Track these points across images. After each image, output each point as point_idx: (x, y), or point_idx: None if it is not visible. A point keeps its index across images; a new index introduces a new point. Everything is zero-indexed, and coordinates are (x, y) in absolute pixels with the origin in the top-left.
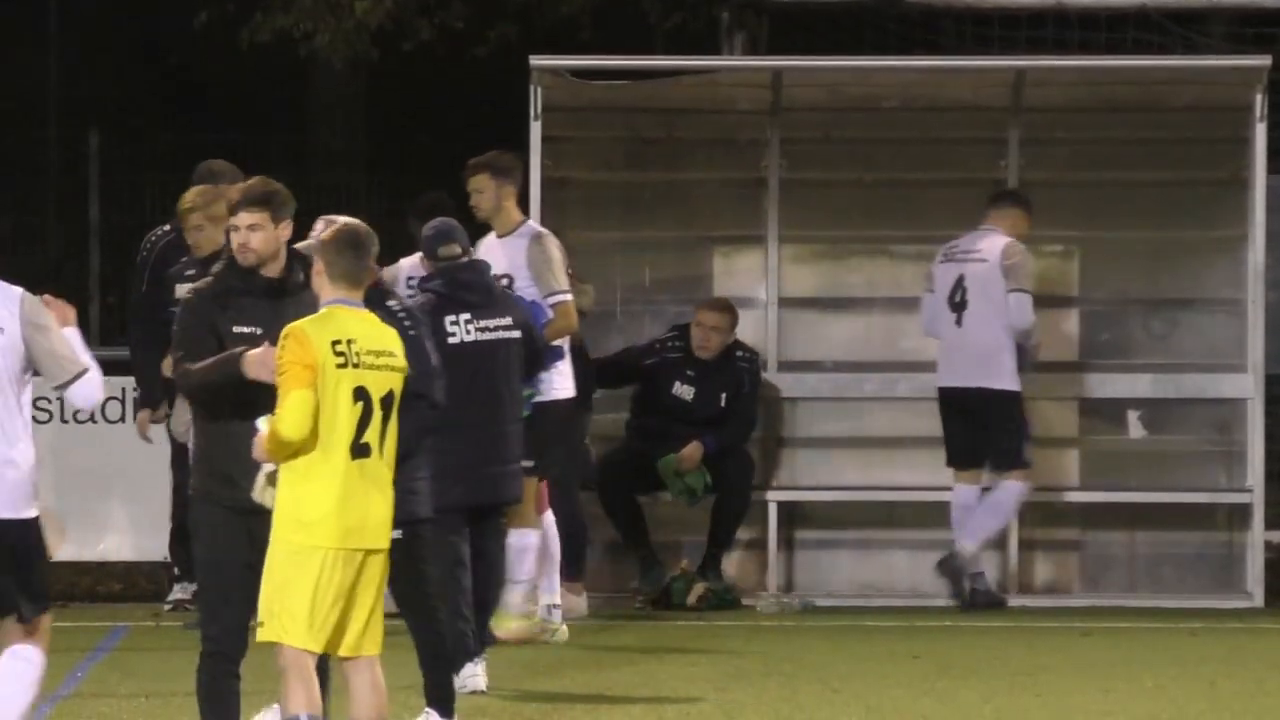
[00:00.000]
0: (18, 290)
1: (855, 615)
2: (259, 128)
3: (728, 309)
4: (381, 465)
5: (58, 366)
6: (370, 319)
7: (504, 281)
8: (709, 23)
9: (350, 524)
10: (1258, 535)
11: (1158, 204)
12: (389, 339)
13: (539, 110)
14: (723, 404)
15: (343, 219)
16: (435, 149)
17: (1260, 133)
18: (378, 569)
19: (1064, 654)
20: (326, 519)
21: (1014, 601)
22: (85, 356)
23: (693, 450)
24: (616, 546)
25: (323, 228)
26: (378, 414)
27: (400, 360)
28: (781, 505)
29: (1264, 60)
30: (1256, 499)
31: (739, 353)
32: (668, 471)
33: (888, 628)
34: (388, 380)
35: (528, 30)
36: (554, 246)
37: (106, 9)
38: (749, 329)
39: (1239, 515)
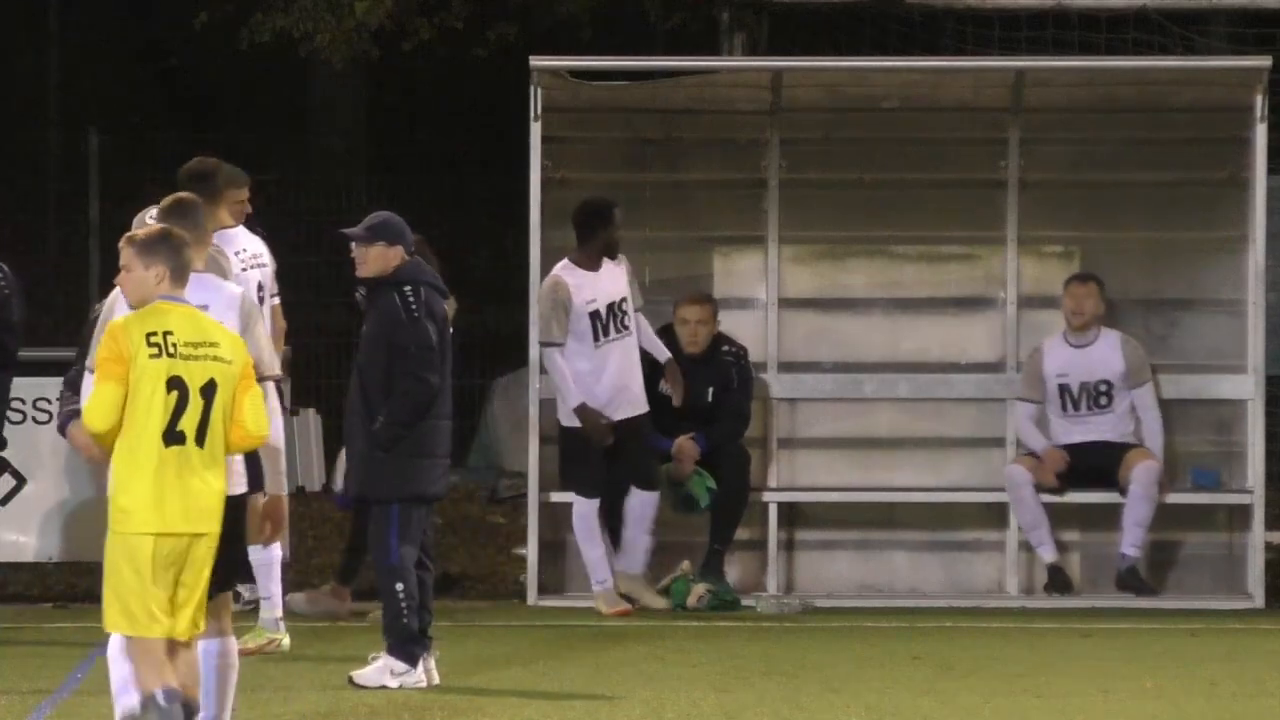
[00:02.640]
0: (238, 289)
1: (855, 616)
2: (259, 128)
3: (708, 299)
4: (202, 452)
5: (257, 362)
6: (194, 313)
7: None
8: (709, 23)
9: (167, 509)
10: (1258, 536)
11: (1158, 204)
12: (214, 332)
13: (539, 111)
14: (710, 399)
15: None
16: (435, 149)
17: (1260, 133)
18: (196, 555)
19: (1064, 654)
20: (142, 505)
21: (1014, 602)
22: (276, 368)
23: (685, 446)
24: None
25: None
26: (196, 403)
27: (226, 351)
28: (781, 505)
29: (1264, 61)
30: (1257, 499)
31: (724, 347)
32: (663, 488)
33: (888, 628)
34: (208, 370)
35: (528, 30)
36: (221, 257)
37: (106, 9)
38: (749, 329)
39: (1239, 516)
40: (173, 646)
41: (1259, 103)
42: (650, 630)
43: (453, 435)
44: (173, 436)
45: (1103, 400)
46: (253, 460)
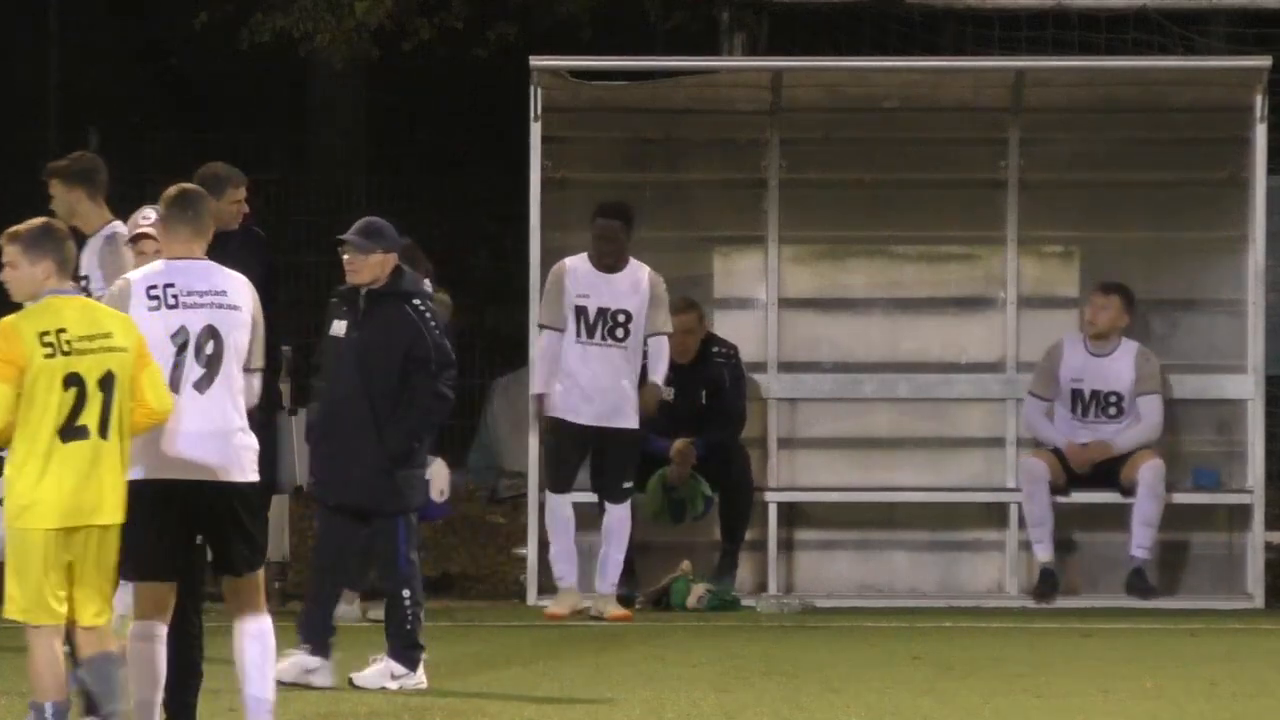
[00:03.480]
0: (242, 276)
1: (855, 616)
2: (259, 128)
3: (691, 307)
4: (108, 444)
5: (255, 353)
6: (86, 304)
7: (82, 282)
8: (709, 23)
9: (66, 504)
10: (1258, 536)
11: (1158, 204)
12: (106, 320)
13: (539, 111)
14: (703, 401)
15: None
16: (435, 149)
17: (1260, 133)
18: (100, 545)
19: (1064, 654)
20: (39, 502)
21: (1014, 602)
22: (263, 359)
23: (683, 449)
24: None
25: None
26: (95, 396)
27: (120, 339)
28: (781, 505)
29: (1264, 61)
30: (1256, 499)
31: (715, 348)
32: (656, 493)
33: (888, 628)
34: (104, 362)
35: (528, 30)
36: (126, 250)
37: (106, 9)
38: (749, 329)
39: (1239, 516)
40: (81, 634)
41: (1259, 103)
42: (650, 630)
43: (453, 435)
44: (71, 432)
45: (1111, 410)
46: (265, 456)
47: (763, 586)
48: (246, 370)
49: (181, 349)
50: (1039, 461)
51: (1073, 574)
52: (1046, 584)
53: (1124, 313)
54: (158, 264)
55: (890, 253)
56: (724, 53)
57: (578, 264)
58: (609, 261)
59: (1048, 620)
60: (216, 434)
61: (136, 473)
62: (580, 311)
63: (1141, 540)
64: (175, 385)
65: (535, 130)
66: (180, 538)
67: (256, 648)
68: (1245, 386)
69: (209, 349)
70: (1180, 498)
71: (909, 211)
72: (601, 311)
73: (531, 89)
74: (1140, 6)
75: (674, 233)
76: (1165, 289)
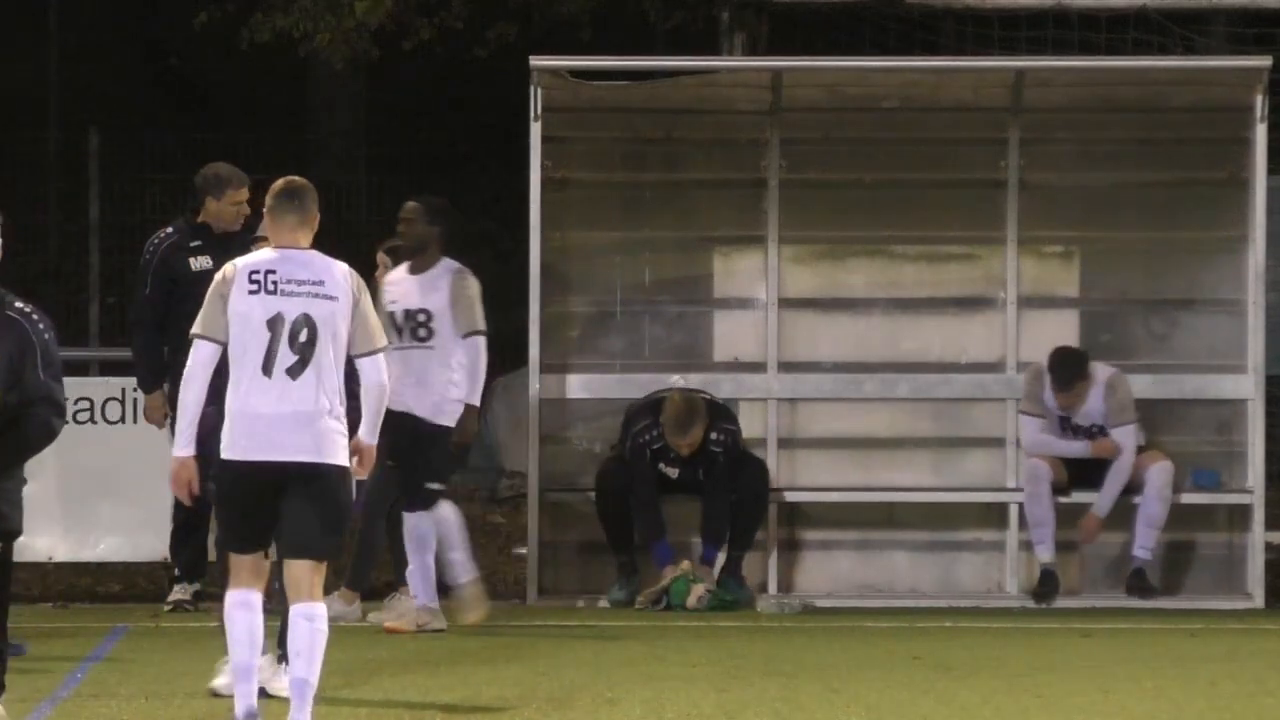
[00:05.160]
0: (344, 265)
1: (855, 616)
2: (259, 128)
3: (695, 420)
4: None
5: (363, 337)
6: None
7: None
8: (709, 23)
9: None
10: (1258, 536)
11: (1158, 204)
12: None
13: (539, 111)
14: (700, 476)
15: None
16: (435, 149)
17: (1260, 133)
18: None
19: (1064, 654)
20: None
21: (1014, 602)
22: (383, 340)
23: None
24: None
25: None
26: None
27: None
28: (781, 505)
29: (1264, 61)
30: (1257, 499)
31: (713, 435)
32: (681, 592)
33: (888, 628)
34: None
35: (528, 30)
36: None
37: (106, 9)
38: (749, 329)
39: (1239, 516)
40: None
41: (1259, 103)
42: (650, 630)
43: None
44: None
45: (1096, 435)
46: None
47: (763, 586)
48: (365, 354)
49: (276, 334)
50: (1041, 462)
51: (1073, 574)
52: (1047, 584)
53: (1087, 390)
54: (266, 251)
55: (890, 253)
56: (724, 53)
57: (395, 271)
58: (403, 245)
59: (1048, 620)
60: (303, 417)
61: (229, 453)
62: (392, 317)
63: (1144, 541)
64: (268, 369)
65: (535, 130)
66: (266, 513)
67: (304, 632)
68: (1245, 386)
69: (303, 337)
70: (1180, 498)
71: (909, 211)
72: (407, 313)
73: (531, 89)
74: (1140, 6)
75: (674, 233)
76: (1165, 289)
